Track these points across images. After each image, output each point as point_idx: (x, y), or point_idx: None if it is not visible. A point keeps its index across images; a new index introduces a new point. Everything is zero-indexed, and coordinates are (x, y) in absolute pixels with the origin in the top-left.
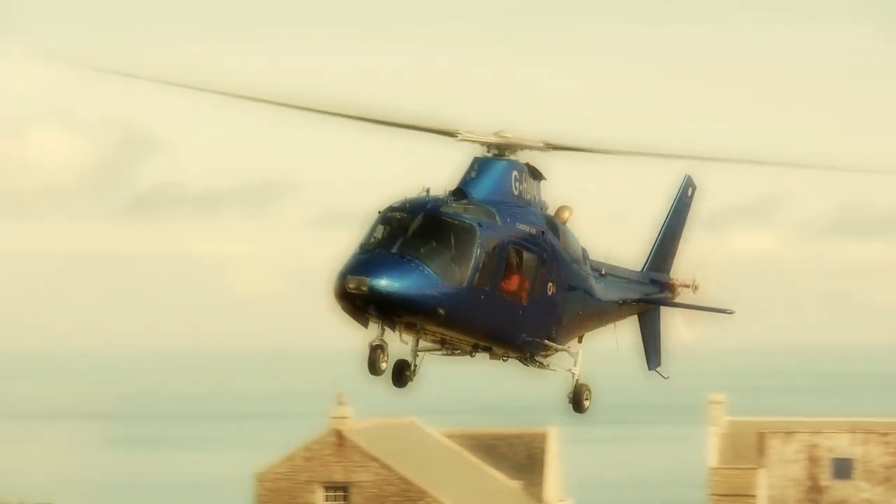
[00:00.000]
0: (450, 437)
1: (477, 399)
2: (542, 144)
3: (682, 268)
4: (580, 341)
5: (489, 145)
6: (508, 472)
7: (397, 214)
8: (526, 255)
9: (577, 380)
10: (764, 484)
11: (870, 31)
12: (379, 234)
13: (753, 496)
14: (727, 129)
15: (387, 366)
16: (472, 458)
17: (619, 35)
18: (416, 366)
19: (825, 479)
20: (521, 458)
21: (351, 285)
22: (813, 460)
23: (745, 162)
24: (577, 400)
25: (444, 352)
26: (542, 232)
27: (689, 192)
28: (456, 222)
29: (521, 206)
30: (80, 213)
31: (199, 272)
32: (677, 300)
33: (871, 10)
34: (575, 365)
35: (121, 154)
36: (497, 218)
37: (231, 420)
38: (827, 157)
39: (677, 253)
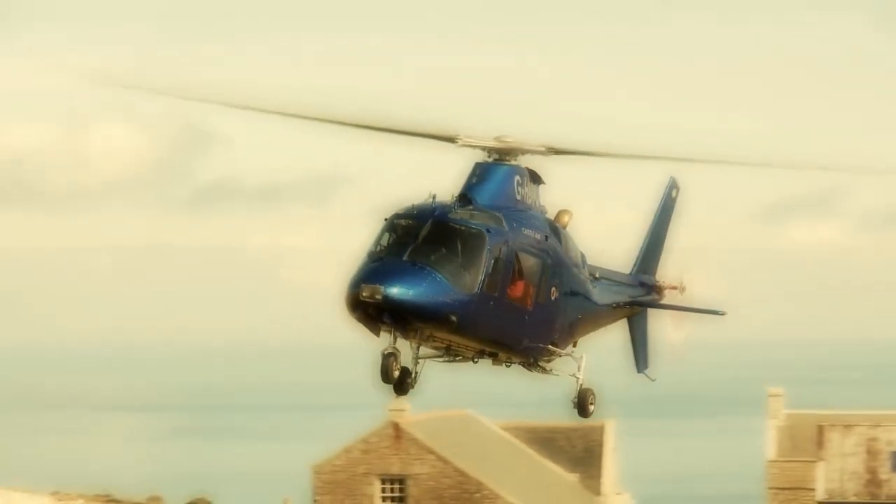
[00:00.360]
0: (507, 429)
1: (534, 392)
2: (543, 148)
3: (669, 269)
4: (574, 346)
5: (490, 150)
6: (565, 464)
7: (405, 221)
8: (532, 260)
9: (582, 384)
10: (822, 477)
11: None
12: (387, 241)
13: (812, 489)
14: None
15: (399, 374)
16: (529, 451)
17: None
18: (417, 373)
19: (884, 472)
20: (578, 450)
21: (365, 294)
22: (872, 453)
23: (773, 165)
24: (583, 405)
25: (447, 358)
26: (546, 237)
27: (674, 194)
28: (465, 228)
29: (525, 211)
30: (140, 206)
31: (257, 265)
32: (668, 302)
33: None
34: (579, 370)
35: (180, 148)
36: (504, 223)
37: (289, 412)
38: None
39: (663, 255)
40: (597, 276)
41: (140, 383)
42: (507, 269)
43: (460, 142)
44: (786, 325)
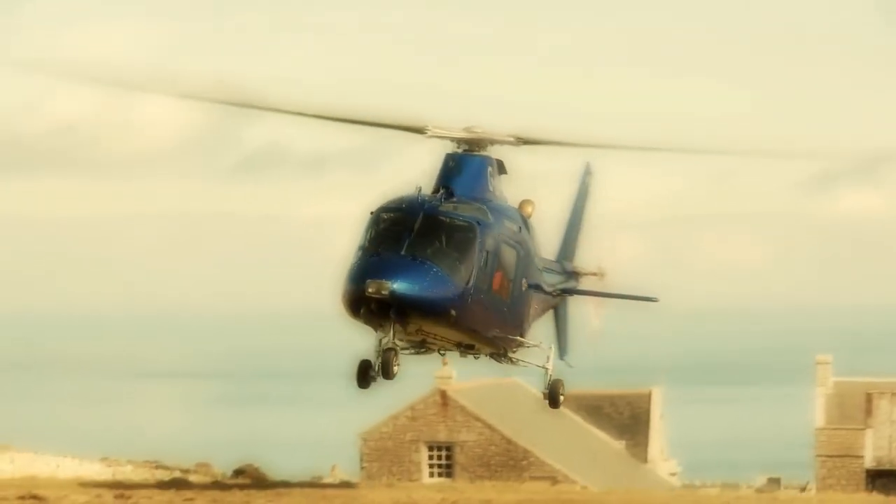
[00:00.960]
0: None
1: (579, 358)
2: (512, 139)
3: (588, 255)
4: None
5: (459, 141)
6: (612, 432)
7: (395, 215)
8: (510, 252)
9: (552, 376)
10: (870, 444)
11: None
12: (378, 236)
13: (860, 457)
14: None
15: (365, 367)
16: (576, 419)
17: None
18: (379, 365)
19: None
20: (625, 418)
21: (371, 289)
22: None
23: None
24: (553, 396)
25: (413, 351)
26: (520, 228)
27: (588, 180)
28: (457, 222)
29: (501, 203)
30: (188, 174)
31: (304, 232)
32: (602, 290)
33: None
34: (548, 360)
35: (228, 115)
36: (489, 216)
37: (337, 380)
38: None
39: (580, 241)
40: (540, 266)
41: (189, 351)
42: (494, 262)
43: (429, 133)
44: (834, 292)
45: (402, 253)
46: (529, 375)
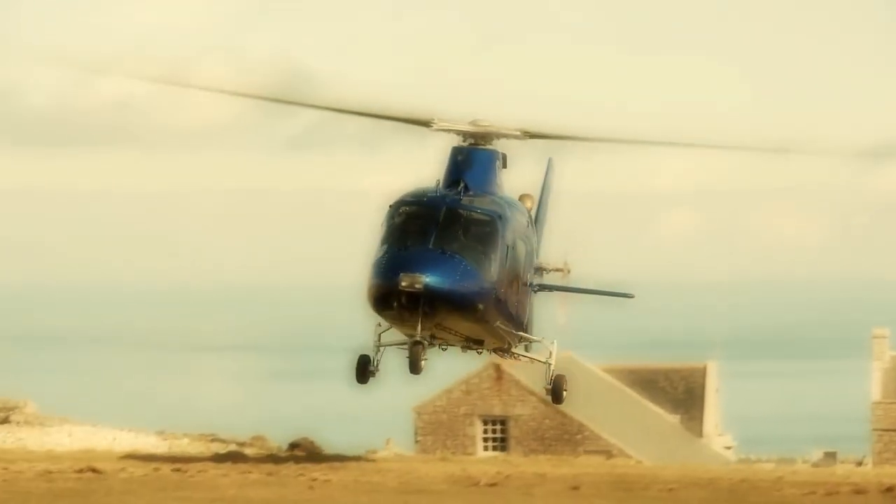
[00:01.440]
0: (608, 371)
1: (635, 334)
2: (518, 132)
3: (555, 250)
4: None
5: (465, 134)
6: (667, 406)
7: (416, 209)
8: (522, 246)
9: (554, 371)
10: None
11: None
12: (402, 229)
13: None
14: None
15: (364, 363)
16: (631, 393)
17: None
18: (378, 361)
19: None
20: (679, 392)
21: (404, 283)
22: None
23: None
24: (557, 391)
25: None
26: (528, 223)
27: (551, 176)
28: (480, 215)
29: (509, 197)
30: (244, 147)
31: (361, 206)
32: (578, 285)
33: None
34: (551, 356)
35: (283, 88)
36: (505, 209)
37: (393, 353)
38: None
39: (543, 236)
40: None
41: (245, 324)
42: (512, 256)
43: (435, 126)
44: (892, 266)
45: (431, 246)
46: (582, 350)
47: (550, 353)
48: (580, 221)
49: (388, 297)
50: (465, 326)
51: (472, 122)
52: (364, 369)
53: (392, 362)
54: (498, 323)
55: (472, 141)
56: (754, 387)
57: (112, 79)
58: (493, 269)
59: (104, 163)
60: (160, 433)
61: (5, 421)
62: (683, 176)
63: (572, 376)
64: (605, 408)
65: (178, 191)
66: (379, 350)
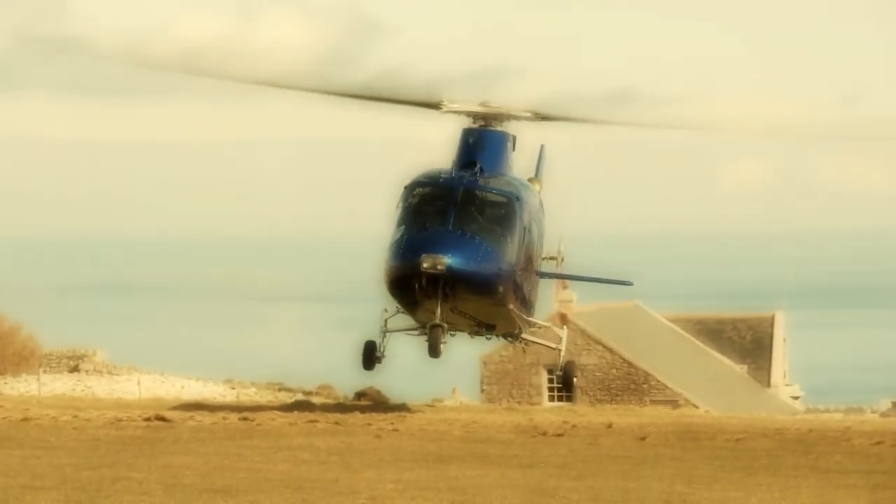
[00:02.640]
0: (674, 321)
1: (702, 283)
2: (529, 114)
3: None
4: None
5: (475, 115)
6: (734, 356)
7: (433, 190)
8: (535, 228)
9: (565, 358)
10: None
11: None
12: (420, 211)
13: None
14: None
15: (370, 349)
16: (697, 342)
17: None
18: (384, 346)
19: None
20: (746, 342)
21: (426, 264)
22: None
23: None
24: (568, 378)
25: (421, 332)
26: (540, 204)
27: (543, 164)
28: (497, 196)
29: (521, 179)
30: (309, 97)
31: (427, 156)
32: (578, 273)
33: None
34: (561, 342)
35: (349, 39)
36: (522, 191)
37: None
38: None
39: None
40: None
41: (311, 274)
42: (528, 239)
43: (445, 108)
44: None
45: (451, 228)
46: (648, 299)
47: (561, 339)
48: (645, 174)
49: (408, 279)
50: (483, 309)
51: (483, 104)
52: (370, 355)
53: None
54: (512, 306)
55: (483, 122)
56: (822, 336)
57: (181, 26)
58: (512, 251)
59: (172, 112)
60: (227, 382)
61: (75, 369)
62: (755, 121)
63: (638, 325)
64: (671, 357)
65: (248, 140)
66: (385, 336)
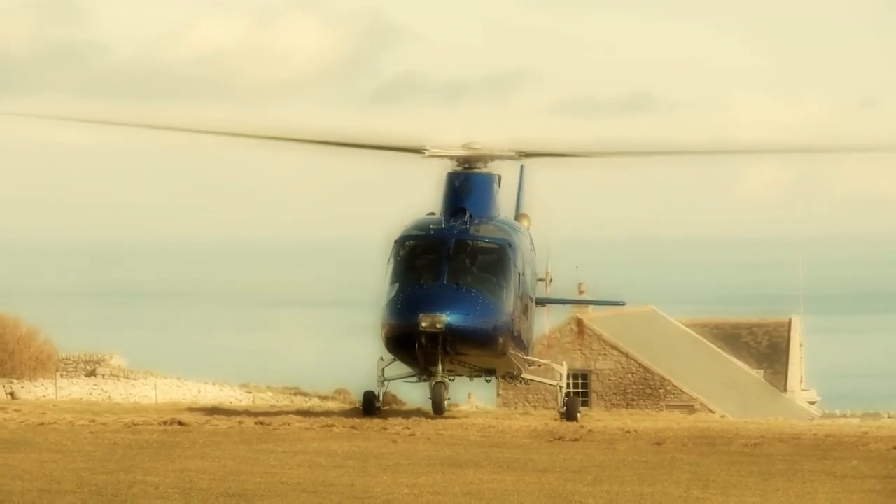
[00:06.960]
0: (690, 326)
1: (718, 287)
2: (513, 153)
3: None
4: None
5: (459, 159)
6: (750, 361)
7: (424, 243)
8: (529, 271)
9: (566, 393)
10: None
11: None
12: (412, 265)
13: None
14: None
15: (370, 398)
16: (713, 347)
17: None
18: (383, 395)
19: None
20: (763, 347)
21: (424, 324)
22: None
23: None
24: (571, 412)
25: (418, 380)
26: (531, 245)
27: (524, 183)
28: (490, 244)
29: (511, 220)
30: (326, 101)
31: (445, 162)
32: (570, 297)
33: None
34: (561, 378)
35: (367, 43)
36: (513, 235)
37: None
38: None
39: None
40: None
41: (325, 279)
42: (522, 282)
43: (427, 153)
44: None
45: (446, 282)
46: (665, 304)
47: (560, 376)
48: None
49: (408, 339)
50: (484, 360)
51: (465, 146)
52: (370, 405)
53: None
54: (511, 351)
55: (467, 165)
56: (839, 341)
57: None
58: (509, 299)
59: (189, 117)
60: (244, 386)
61: (91, 373)
62: (769, 130)
63: (654, 330)
64: (687, 362)
65: (265, 143)
66: (383, 385)
